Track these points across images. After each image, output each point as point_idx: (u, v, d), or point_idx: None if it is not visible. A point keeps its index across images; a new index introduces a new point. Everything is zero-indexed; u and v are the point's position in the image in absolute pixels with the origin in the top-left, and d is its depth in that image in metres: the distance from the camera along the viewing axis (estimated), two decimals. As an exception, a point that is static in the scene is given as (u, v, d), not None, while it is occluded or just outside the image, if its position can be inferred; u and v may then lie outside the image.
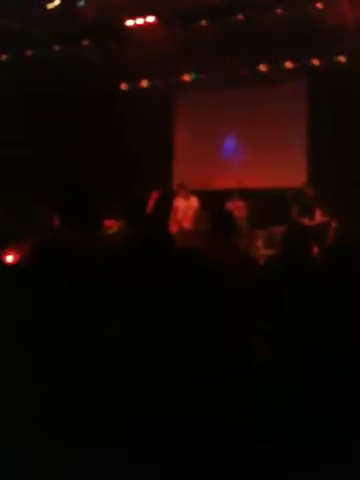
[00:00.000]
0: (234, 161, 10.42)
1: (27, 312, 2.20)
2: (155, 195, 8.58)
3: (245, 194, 9.05)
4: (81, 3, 7.64)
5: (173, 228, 8.13)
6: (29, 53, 8.80)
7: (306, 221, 8.07)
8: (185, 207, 8.99)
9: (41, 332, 2.14)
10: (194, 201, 9.02)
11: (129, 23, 8.20)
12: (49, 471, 1.86)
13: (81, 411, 1.95)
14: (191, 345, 1.98)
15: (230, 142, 10.56)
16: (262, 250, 7.65)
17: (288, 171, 9.72)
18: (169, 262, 2.35)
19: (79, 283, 2.31)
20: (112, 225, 6.42)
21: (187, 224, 8.84)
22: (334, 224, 8.03)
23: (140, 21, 8.15)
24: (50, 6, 7.65)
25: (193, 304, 2.10)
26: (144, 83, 10.66)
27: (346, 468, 1.73)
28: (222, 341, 2.03)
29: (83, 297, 2.25)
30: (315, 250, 7.31)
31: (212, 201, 8.56)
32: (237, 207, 8.47)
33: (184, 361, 1.96)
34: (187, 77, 10.34)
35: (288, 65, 9.57)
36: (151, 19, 8.11)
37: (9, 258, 5.04)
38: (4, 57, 8.86)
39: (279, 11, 7.79)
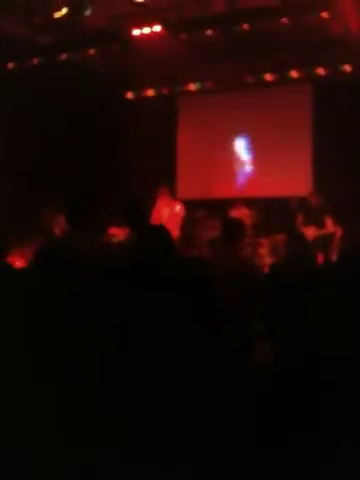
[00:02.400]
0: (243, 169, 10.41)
1: (30, 317, 2.20)
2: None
3: (250, 202, 9.04)
4: (87, 12, 7.69)
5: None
6: (35, 61, 8.86)
7: (312, 230, 8.04)
8: (168, 215, 8.19)
9: (43, 337, 2.14)
10: (179, 208, 8.37)
11: (135, 32, 8.25)
12: (51, 473, 1.86)
13: (81, 413, 1.95)
14: (193, 350, 1.97)
15: (241, 148, 10.52)
16: (266, 258, 7.63)
17: (294, 179, 9.72)
18: (172, 269, 2.34)
19: (80, 290, 2.31)
20: (117, 233, 6.41)
21: (174, 233, 7.90)
22: (339, 233, 8.00)
23: (146, 30, 8.20)
24: (57, 15, 7.70)
25: (195, 311, 2.09)
26: (150, 92, 10.71)
27: (347, 468, 1.72)
28: (224, 347, 2.02)
29: (83, 304, 2.24)
30: (320, 259, 7.31)
31: (216, 209, 8.55)
32: (242, 215, 8.42)
33: (185, 366, 1.95)
34: (193, 86, 10.39)
35: (293, 74, 9.62)
36: (157, 28, 8.16)
37: (17, 263, 5.04)
38: (10, 65, 8.92)
39: (284, 20, 7.82)
